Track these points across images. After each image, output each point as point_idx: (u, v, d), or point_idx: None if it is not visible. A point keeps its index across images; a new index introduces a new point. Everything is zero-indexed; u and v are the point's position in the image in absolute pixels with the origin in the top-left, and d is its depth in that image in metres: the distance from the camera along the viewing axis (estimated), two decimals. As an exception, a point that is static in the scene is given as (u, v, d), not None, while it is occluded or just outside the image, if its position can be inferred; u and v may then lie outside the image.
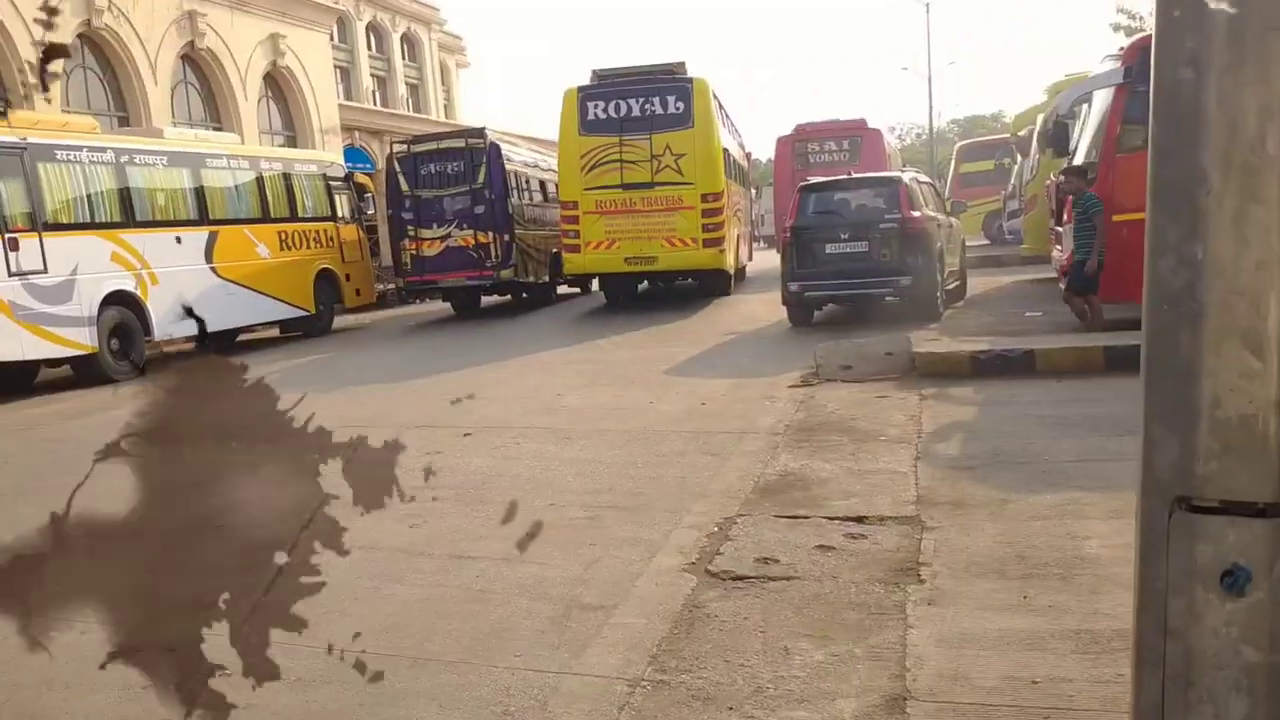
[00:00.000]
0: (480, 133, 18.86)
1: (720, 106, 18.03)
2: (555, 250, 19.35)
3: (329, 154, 24.48)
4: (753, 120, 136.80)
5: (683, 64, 17.07)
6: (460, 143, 18.55)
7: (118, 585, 2.54)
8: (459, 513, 5.90)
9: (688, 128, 16.33)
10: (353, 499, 6.21)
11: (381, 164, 33.57)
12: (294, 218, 18.70)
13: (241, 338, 18.44)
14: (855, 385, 9.10)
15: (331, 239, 19.57)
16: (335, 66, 33.33)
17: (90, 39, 21.48)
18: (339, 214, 19.95)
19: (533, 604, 4.43)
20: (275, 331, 19.05)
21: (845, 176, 14.50)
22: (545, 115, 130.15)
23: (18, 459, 9.18)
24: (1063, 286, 10.86)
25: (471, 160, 18.13)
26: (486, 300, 20.64)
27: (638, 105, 16.43)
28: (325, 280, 19.21)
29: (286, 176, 18.81)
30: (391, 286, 23.82)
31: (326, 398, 11.32)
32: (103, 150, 14.73)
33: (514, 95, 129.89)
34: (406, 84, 45.16)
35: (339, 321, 20.00)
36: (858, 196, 13.50)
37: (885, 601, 4.13)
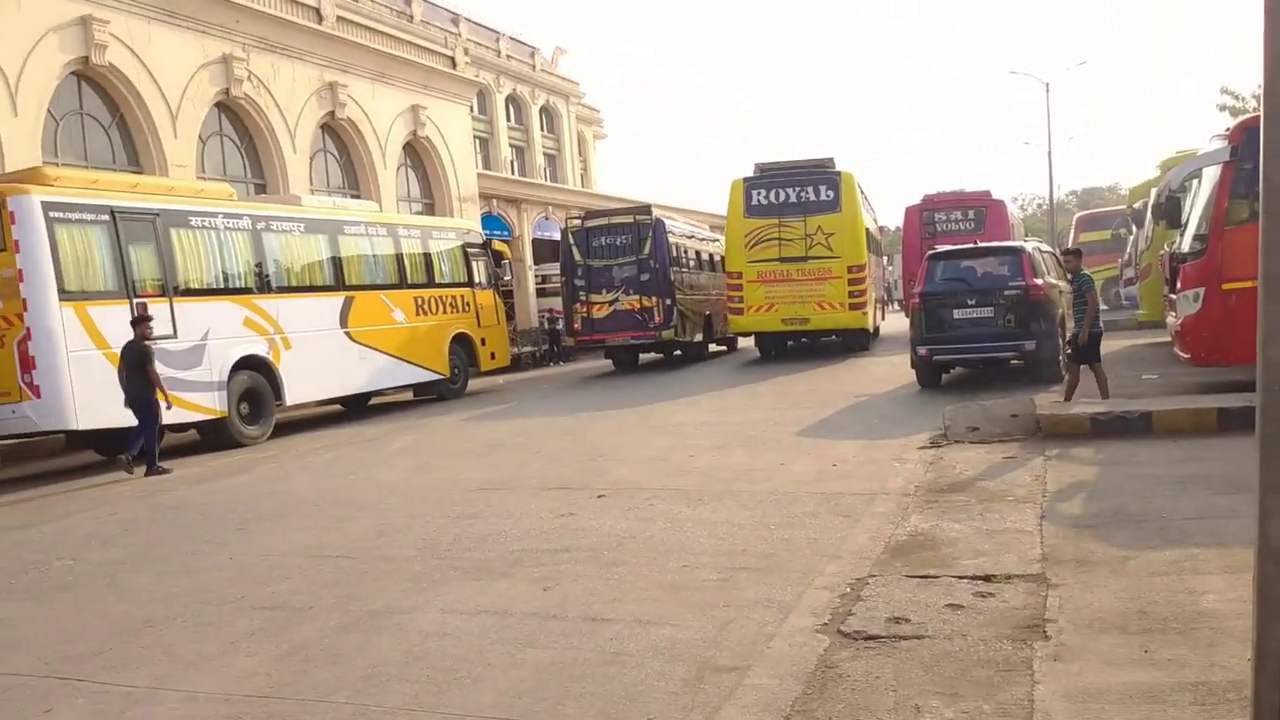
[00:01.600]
0: (646, 210, 21.38)
1: (862, 192, 20.82)
2: (708, 313, 22.66)
3: (467, 221, 24.49)
4: (884, 183, 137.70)
5: (832, 159, 19.90)
6: (629, 218, 21.06)
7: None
8: (592, 574, 5.91)
9: (836, 212, 19.28)
10: (482, 563, 5.68)
11: (519, 231, 33.98)
12: (430, 283, 18.59)
13: (374, 400, 18.33)
14: (982, 446, 9.29)
15: (468, 304, 19.44)
16: (475, 136, 33.75)
17: (229, 107, 21.97)
18: (475, 279, 19.85)
19: (666, 666, 4.38)
20: (409, 395, 18.89)
21: (972, 245, 15.26)
22: (679, 183, 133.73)
23: (139, 526, 8.93)
24: (1175, 349, 11.74)
25: (638, 234, 20.58)
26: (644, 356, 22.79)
27: (794, 193, 19.44)
28: (460, 344, 19.04)
29: (424, 243, 18.79)
30: (529, 350, 25.05)
31: (458, 461, 10.98)
32: (239, 217, 14.70)
33: (648, 163, 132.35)
34: (544, 154, 45.75)
35: (473, 384, 19.89)
36: (984, 264, 14.16)
37: (1013, 658, 4.18)
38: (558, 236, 37.40)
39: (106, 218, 12.46)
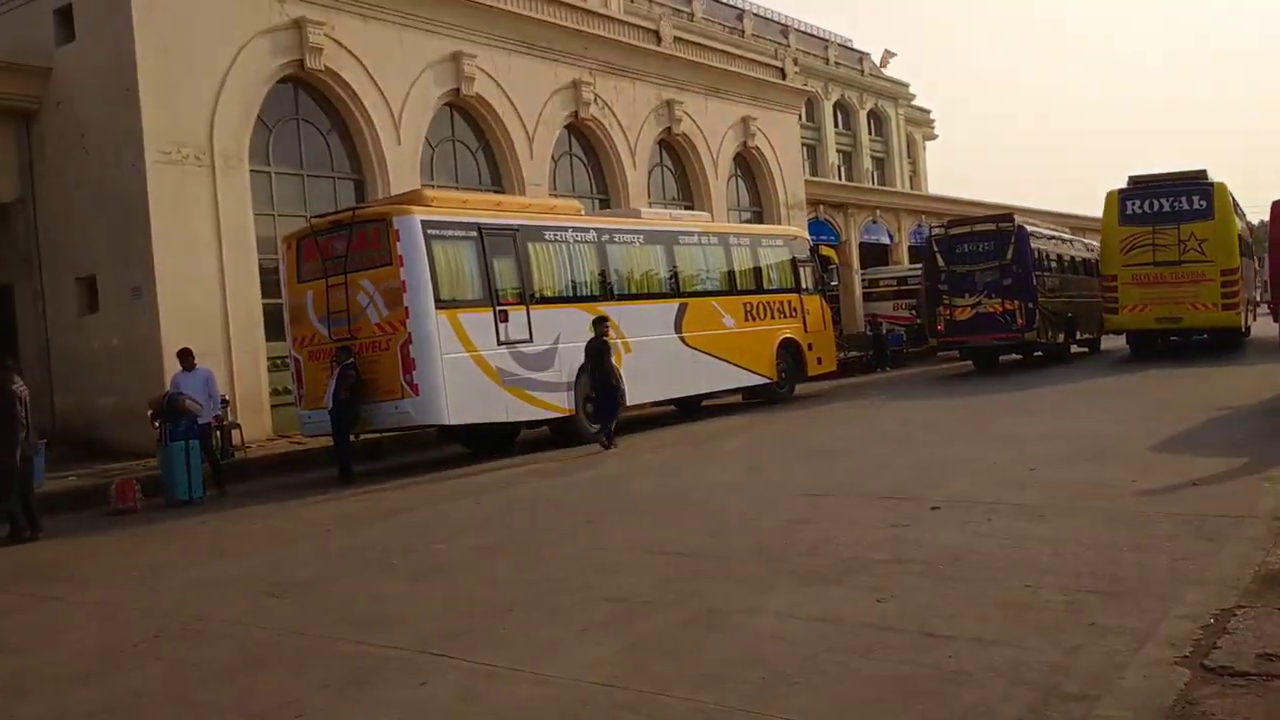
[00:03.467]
0: (1009, 218, 22.35)
1: (1234, 199, 21.39)
2: (1070, 315, 23.36)
3: (795, 228, 24.83)
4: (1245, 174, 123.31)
5: (1205, 171, 20.98)
6: (991, 226, 22.07)
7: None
8: (928, 588, 5.77)
9: (1209, 220, 20.27)
10: (814, 569, 5.74)
11: (845, 235, 33.88)
12: (759, 289, 19.06)
13: (705, 403, 18.96)
14: None
15: (795, 310, 19.71)
16: (802, 144, 34.02)
17: (577, 129, 23.56)
18: (803, 285, 20.10)
19: (1010, 689, 4.18)
20: (738, 398, 19.37)
21: None
22: (1007, 179, 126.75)
23: (499, 516, 9.83)
24: None
25: (1001, 240, 21.47)
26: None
27: (1167, 203, 20.58)
28: (788, 349, 19.31)
29: (753, 250, 19.29)
30: (855, 355, 25.60)
31: (787, 465, 11.24)
32: (585, 230, 15.80)
33: (979, 161, 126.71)
34: (872, 158, 45.24)
35: (800, 389, 20.08)
36: None
37: None
38: (886, 240, 37.22)
39: (474, 234, 13.81)
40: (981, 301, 21.39)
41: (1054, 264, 23.63)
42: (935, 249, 22.17)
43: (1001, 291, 21.18)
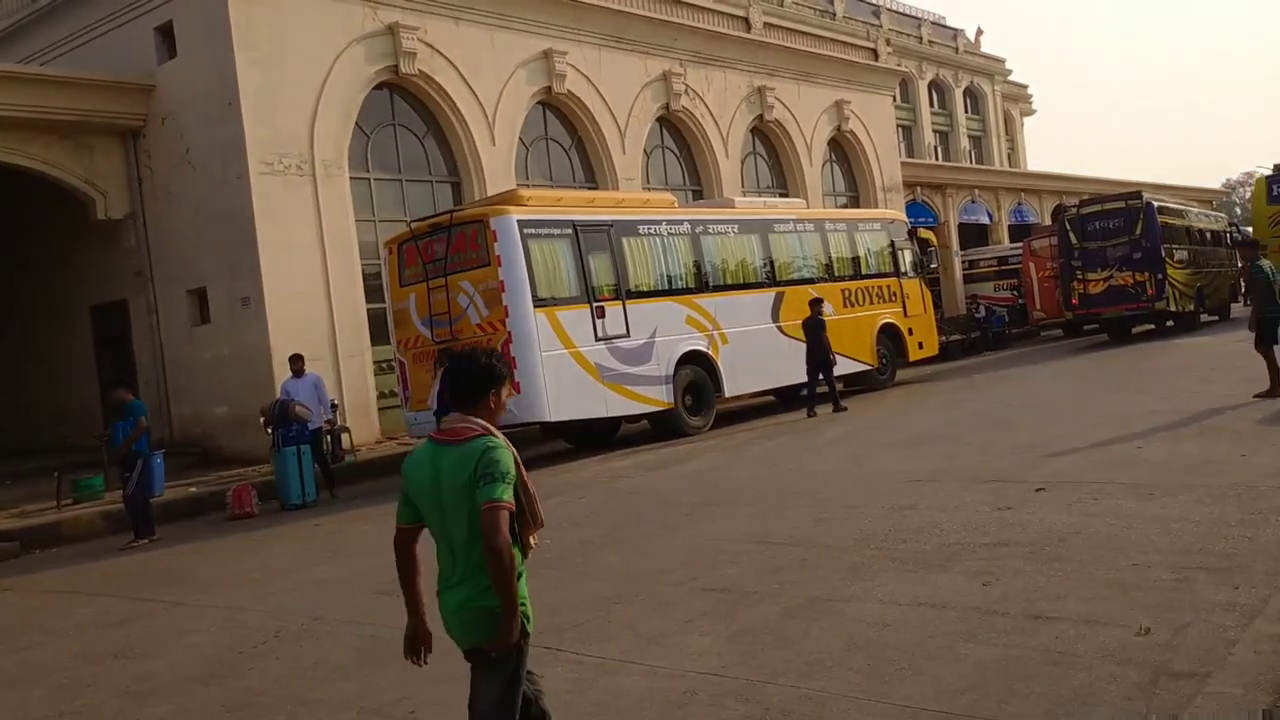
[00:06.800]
0: (1138, 195, 23.45)
1: None
2: (1199, 285, 24.37)
3: (892, 211, 24.43)
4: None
5: None
6: (1121, 204, 23.16)
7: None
8: (1034, 570, 5.71)
9: None
10: (919, 555, 5.89)
11: (944, 217, 33.27)
12: (857, 275, 18.82)
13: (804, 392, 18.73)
14: None
15: (894, 294, 19.42)
16: (897, 125, 33.47)
17: (669, 120, 23.52)
18: (902, 269, 19.78)
19: (1117, 669, 4.17)
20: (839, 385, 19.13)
21: None
22: (1109, 154, 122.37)
23: (603, 509, 9.96)
24: None
25: (1130, 217, 22.63)
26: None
27: None
28: (888, 335, 19.04)
29: (850, 236, 19.05)
30: (957, 338, 25.87)
31: (889, 451, 11.17)
32: (679, 223, 15.81)
33: (1076, 134, 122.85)
34: (969, 136, 44.24)
35: (902, 374, 19.82)
36: None
37: None
38: (985, 220, 36.44)
39: (569, 231, 13.95)
40: (1114, 275, 22.45)
41: (1182, 237, 24.54)
42: (1068, 227, 23.31)
43: (1132, 265, 22.26)
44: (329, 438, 13.79)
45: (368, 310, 16.98)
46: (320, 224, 16.45)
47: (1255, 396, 11.18)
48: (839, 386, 16.38)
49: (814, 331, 15.72)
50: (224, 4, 15.56)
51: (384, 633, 6.16)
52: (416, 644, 3.35)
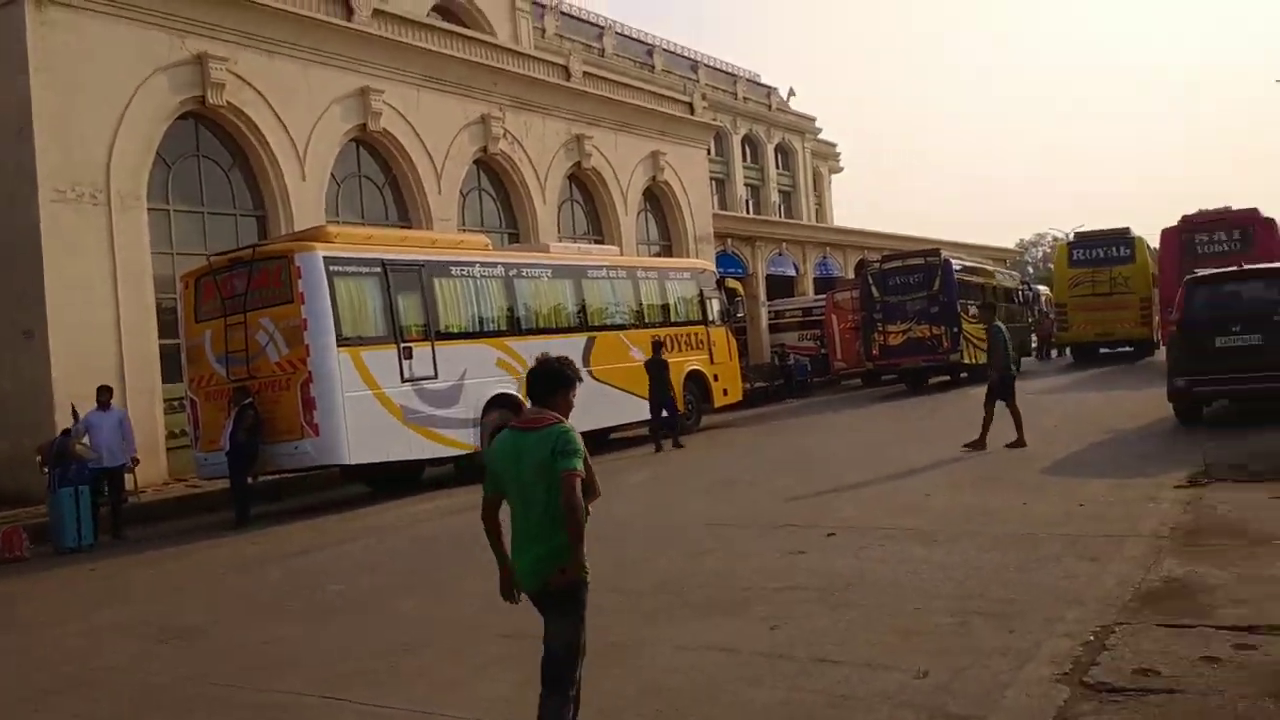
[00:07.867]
0: (936, 252, 25.44)
1: (1149, 248, 27.21)
2: None
3: (701, 261, 25.14)
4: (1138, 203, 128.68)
5: (1128, 229, 27.52)
6: (920, 260, 24.74)
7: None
8: (821, 615, 5.88)
9: (1131, 263, 27.04)
10: (713, 600, 5.88)
11: (753, 268, 34.42)
12: (666, 322, 19.20)
13: (613, 435, 18.89)
14: (1248, 486, 8.71)
15: (701, 341, 19.90)
16: (711, 177, 34.53)
17: (487, 164, 23.55)
18: (709, 318, 20.31)
19: (895, 711, 4.28)
20: (645, 430, 19.41)
21: (1236, 269, 14.25)
22: (909, 212, 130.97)
23: (402, 554, 9.74)
24: None
25: (929, 273, 24.01)
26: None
27: (1102, 251, 27.17)
28: (694, 381, 19.43)
29: (661, 284, 19.48)
30: (761, 385, 26.64)
31: (691, 497, 11.34)
32: (493, 265, 15.78)
33: (878, 192, 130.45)
34: (779, 190, 46.10)
35: (707, 420, 20.19)
36: (1250, 289, 13.25)
37: (1276, 718, 3.88)
38: (791, 272, 37.93)
39: (379, 270, 13.69)
40: (912, 328, 23.70)
41: (978, 293, 25.81)
42: (870, 281, 24.64)
43: (930, 318, 23.56)
44: (109, 479, 12.96)
45: (160, 346, 16.20)
46: (114, 256, 15.67)
47: (964, 448, 12.20)
48: (649, 430, 16.65)
49: (658, 370, 16.59)
50: (22, 26, 14.79)
51: (160, 682, 5.85)
52: (510, 586, 4.19)
